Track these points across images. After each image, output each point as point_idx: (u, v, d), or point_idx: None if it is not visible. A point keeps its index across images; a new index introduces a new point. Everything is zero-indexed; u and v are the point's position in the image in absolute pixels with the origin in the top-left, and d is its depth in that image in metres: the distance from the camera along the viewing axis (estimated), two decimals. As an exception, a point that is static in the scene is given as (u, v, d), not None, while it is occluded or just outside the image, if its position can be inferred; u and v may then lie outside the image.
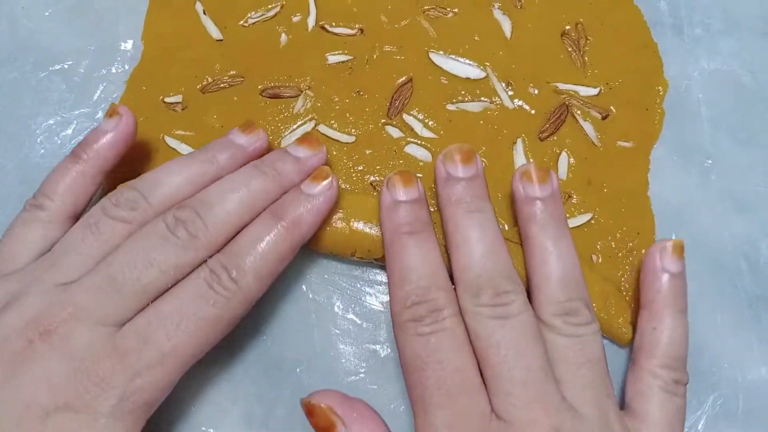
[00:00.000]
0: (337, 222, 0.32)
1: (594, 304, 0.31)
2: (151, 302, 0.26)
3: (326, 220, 0.32)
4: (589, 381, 0.27)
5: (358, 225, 0.32)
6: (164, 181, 0.29)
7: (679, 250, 0.31)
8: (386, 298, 0.34)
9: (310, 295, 0.34)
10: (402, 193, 0.30)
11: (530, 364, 0.26)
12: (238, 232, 0.28)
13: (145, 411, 0.25)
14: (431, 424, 0.26)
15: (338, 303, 0.34)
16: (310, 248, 0.33)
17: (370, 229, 0.32)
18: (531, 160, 0.34)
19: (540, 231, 0.30)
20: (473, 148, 0.32)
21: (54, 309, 0.24)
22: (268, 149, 0.33)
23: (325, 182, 0.30)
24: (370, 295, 0.34)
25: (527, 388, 0.25)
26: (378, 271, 0.35)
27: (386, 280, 0.34)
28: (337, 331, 0.33)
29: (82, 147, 0.31)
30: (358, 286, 0.34)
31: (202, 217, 0.27)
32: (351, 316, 0.34)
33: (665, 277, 0.30)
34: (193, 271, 0.27)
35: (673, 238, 0.35)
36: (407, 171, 0.32)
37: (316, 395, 0.26)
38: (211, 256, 0.27)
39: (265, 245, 0.27)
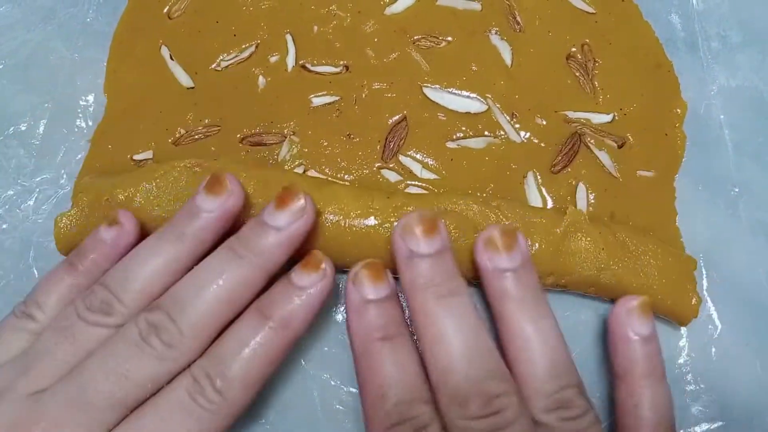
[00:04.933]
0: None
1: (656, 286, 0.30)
2: (132, 411, 0.24)
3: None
4: None
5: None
6: (136, 275, 0.26)
7: (647, 308, 0.27)
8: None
9: (311, 372, 0.31)
10: (371, 291, 0.26)
11: None
12: (221, 330, 0.26)
13: None
14: None
15: (341, 376, 0.31)
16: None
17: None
18: (503, 221, 0.30)
19: (516, 310, 0.26)
20: (435, 214, 0.27)
21: (25, 423, 0.23)
22: (246, 200, 0.28)
23: (318, 272, 0.26)
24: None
25: None
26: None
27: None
28: (342, 408, 0.30)
29: (78, 256, 0.28)
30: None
31: (176, 322, 0.24)
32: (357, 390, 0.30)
33: (636, 343, 0.27)
34: (173, 378, 0.24)
35: (705, 280, 0.32)
36: (375, 262, 0.27)
37: None
38: (192, 362, 0.25)
39: (252, 350, 0.25)
